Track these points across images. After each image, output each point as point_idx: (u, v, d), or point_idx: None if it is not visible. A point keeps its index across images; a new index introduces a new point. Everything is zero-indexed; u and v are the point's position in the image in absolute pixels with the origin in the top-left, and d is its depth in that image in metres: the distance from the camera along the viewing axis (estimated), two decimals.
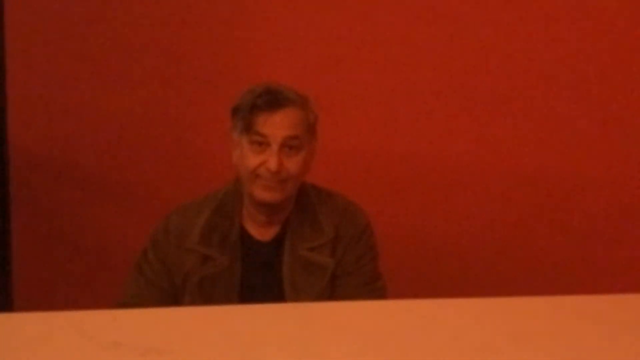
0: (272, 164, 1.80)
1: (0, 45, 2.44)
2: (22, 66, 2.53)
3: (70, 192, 2.82)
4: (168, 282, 1.94)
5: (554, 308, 1.72)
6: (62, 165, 2.77)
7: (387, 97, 2.76)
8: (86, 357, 1.37)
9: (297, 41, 2.76)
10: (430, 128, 2.79)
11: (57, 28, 2.73)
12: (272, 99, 1.84)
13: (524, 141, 2.82)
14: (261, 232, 1.95)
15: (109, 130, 2.74)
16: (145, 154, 2.75)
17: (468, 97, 2.80)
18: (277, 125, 1.83)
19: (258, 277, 1.97)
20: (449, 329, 1.60)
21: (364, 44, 2.76)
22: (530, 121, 2.82)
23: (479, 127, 2.81)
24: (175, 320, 1.65)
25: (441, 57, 2.79)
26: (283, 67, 2.71)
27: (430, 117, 2.79)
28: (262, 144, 1.82)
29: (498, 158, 2.84)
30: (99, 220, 2.80)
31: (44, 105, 2.68)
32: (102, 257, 2.71)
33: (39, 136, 2.71)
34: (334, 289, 1.96)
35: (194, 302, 1.90)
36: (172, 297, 1.93)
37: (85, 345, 1.41)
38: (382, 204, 2.64)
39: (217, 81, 2.67)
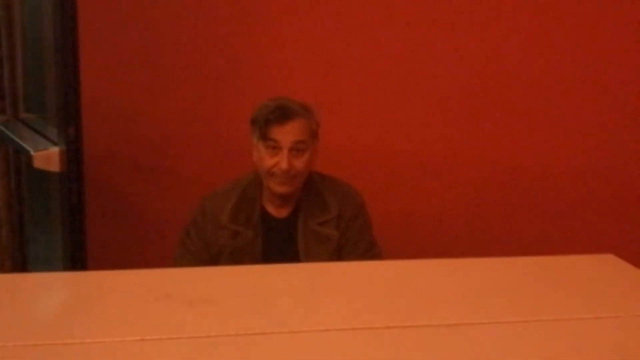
0: (284, 164, 1.93)
1: (75, 55, 2.37)
2: (94, 77, 2.54)
3: (133, 177, 2.88)
4: (207, 254, 2.04)
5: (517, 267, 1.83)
6: (126, 155, 2.83)
7: (383, 98, 2.78)
8: (144, 306, 1.50)
9: (304, 47, 2.76)
10: (421, 126, 2.78)
11: (123, 44, 2.79)
12: (282, 113, 1.94)
13: (508, 137, 2.80)
14: (278, 211, 2.07)
15: (163, 128, 2.78)
16: (189, 147, 2.80)
17: (458, 97, 2.78)
18: (286, 133, 1.94)
19: (277, 247, 2.05)
20: (428, 282, 1.73)
21: (362, 52, 2.75)
22: (515, 119, 2.80)
23: (468, 126, 2.79)
24: (214, 277, 1.77)
25: (432, 62, 2.77)
26: (293, 74, 2.75)
27: (423, 116, 2.79)
28: (275, 148, 1.94)
29: (487, 152, 2.79)
30: (154, 198, 2.89)
31: (112, 107, 2.74)
32: (158, 228, 2.76)
33: (108, 132, 2.76)
34: (340, 256, 2.06)
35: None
36: (211, 263, 2.04)
37: (144, 297, 1.55)
38: (379, 188, 2.65)
39: (240, 90, 2.69)
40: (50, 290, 1.69)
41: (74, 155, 2.40)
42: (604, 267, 1.82)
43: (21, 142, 2.71)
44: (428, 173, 2.77)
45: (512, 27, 2.77)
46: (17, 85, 3.23)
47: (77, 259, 2.47)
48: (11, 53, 3.20)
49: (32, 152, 2.49)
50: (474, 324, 1.46)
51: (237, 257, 2.02)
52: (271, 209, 2.07)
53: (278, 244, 2.07)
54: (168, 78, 2.75)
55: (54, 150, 2.46)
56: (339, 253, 2.05)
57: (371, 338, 1.38)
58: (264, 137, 1.96)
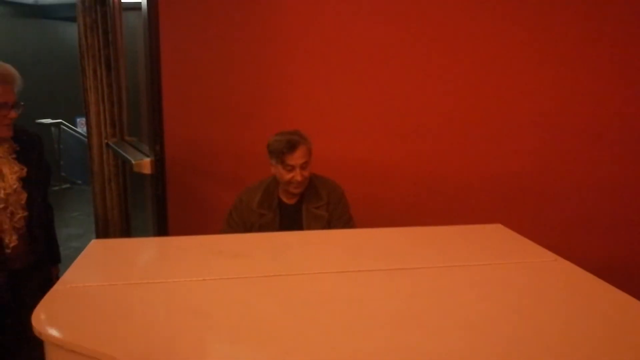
0: (299, 177, 1.96)
1: (160, 97, 2.32)
2: (173, 112, 2.49)
3: (199, 178, 2.86)
4: (243, 229, 2.05)
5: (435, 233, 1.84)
6: (195, 163, 2.83)
7: (363, 124, 2.64)
8: (205, 258, 1.54)
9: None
10: (382, 142, 2.64)
11: (192, 90, 2.73)
12: (292, 145, 1.94)
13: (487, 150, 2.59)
14: (289, 200, 2.08)
15: (220, 146, 2.74)
16: (235, 158, 2.75)
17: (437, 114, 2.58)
18: (296, 158, 1.95)
19: (288, 223, 2.05)
20: (382, 241, 1.75)
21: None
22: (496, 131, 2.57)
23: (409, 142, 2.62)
24: (249, 240, 1.79)
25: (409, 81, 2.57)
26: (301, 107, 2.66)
27: (390, 136, 2.64)
28: (290, 168, 1.96)
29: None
30: (212, 191, 2.85)
31: (185, 131, 2.73)
32: (213, 210, 2.66)
33: (183, 148, 2.76)
34: (329, 227, 2.06)
35: None
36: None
37: (204, 252, 1.58)
38: (359, 184, 2.54)
39: (266, 124, 2.54)
40: (145, 249, 1.74)
41: (159, 164, 2.42)
42: (493, 231, 1.84)
43: (126, 155, 2.76)
44: (384, 175, 2.71)
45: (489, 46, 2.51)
46: (123, 118, 3.29)
47: (162, 230, 2.49)
48: (119, 95, 3.26)
49: (133, 161, 2.54)
50: (409, 268, 1.51)
51: (263, 230, 2.03)
52: (284, 199, 2.08)
53: (289, 221, 2.06)
54: (222, 114, 2.74)
55: (147, 160, 2.50)
56: (329, 226, 2.07)
57: (349, 278, 1.43)
58: (282, 163, 1.96)
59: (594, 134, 2.55)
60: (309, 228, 2.03)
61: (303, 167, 1.97)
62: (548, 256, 1.59)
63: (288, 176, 1.97)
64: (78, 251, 1.53)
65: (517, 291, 1.36)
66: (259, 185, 2.09)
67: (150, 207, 2.71)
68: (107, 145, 3.16)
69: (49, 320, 1.12)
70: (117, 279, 1.36)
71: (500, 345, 1.09)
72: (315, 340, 1.10)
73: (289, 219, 2.06)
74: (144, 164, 2.52)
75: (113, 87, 3.20)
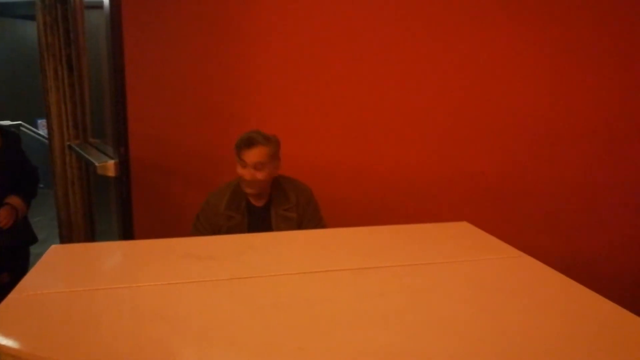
0: (247, 175, 1.92)
1: (124, 98, 2.32)
2: (137, 114, 2.47)
3: (164, 179, 2.80)
4: (210, 232, 2.00)
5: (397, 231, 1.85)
6: (160, 165, 2.76)
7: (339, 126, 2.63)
8: (170, 262, 1.49)
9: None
10: (355, 145, 2.64)
11: (158, 91, 2.68)
12: (248, 142, 1.89)
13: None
14: (257, 202, 2.04)
15: (185, 148, 2.71)
16: (203, 160, 2.71)
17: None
18: (251, 156, 1.90)
19: (257, 226, 2.01)
20: (350, 241, 1.75)
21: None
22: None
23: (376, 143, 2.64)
24: (216, 242, 1.74)
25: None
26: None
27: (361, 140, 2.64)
28: (244, 164, 1.92)
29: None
30: (178, 193, 2.80)
31: (150, 133, 2.67)
32: (180, 213, 2.61)
33: (147, 150, 2.70)
34: (300, 229, 2.02)
35: None
36: None
37: (170, 255, 1.54)
38: (331, 186, 2.58)
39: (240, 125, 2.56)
40: (108, 254, 1.68)
41: (124, 166, 2.39)
42: (460, 229, 1.86)
43: (89, 157, 2.69)
44: (355, 176, 2.71)
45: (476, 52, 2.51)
46: (87, 120, 3.20)
47: (127, 234, 2.46)
48: (81, 96, 3.18)
49: (96, 164, 2.48)
50: (374, 267, 1.50)
51: (231, 233, 1.99)
52: (253, 201, 2.04)
53: (258, 224, 2.03)
54: (188, 114, 2.69)
55: (111, 162, 2.45)
56: (299, 227, 2.04)
57: (316, 278, 1.42)
58: (238, 157, 1.94)
59: (561, 135, 2.60)
60: (278, 230, 2.00)
61: (257, 167, 1.91)
62: (512, 253, 1.62)
63: (241, 172, 1.93)
64: (40, 257, 1.48)
65: (481, 287, 1.38)
66: (227, 187, 2.05)
67: (115, 211, 2.63)
68: (70, 147, 3.08)
69: (3, 329, 1.08)
70: (77, 285, 1.31)
71: (465, 341, 1.10)
72: (282, 342, 1.09)
73: (258, 221, 2.02)
74: (108, 166, 2.47)
75: (75, 87, 3.11)
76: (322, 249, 1.67)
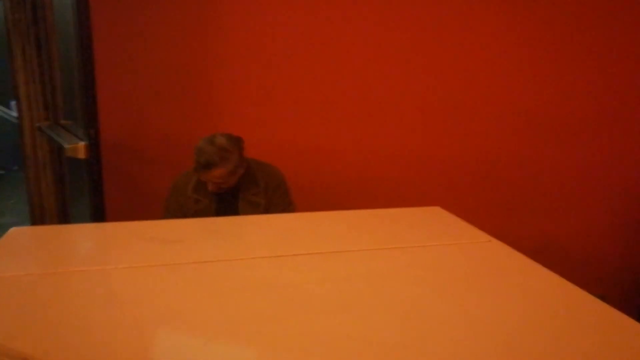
0: (212, 188, 1.94)
1: (93, 78, 2.27)
2: (108, 95, 2.44)
3: (135, 162, 2.73)
4: (181, 213, 1.99)
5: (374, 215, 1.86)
6: (131, 147, 2.69)
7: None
8: (135, 245, 1.48)
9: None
10: (331, 130, 2.61)
11: (130, 69, 2.60)
12: (204, 166, 1.86)
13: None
14: None
15: (156, 130, 2.63)
16: (173, 143, 2.62)
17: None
18: (209, 177, 1.90)
19: (224, 211, 1.99)
20: (322, 225, 1.75)
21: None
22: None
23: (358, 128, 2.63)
24: (183, 226, 1.72)
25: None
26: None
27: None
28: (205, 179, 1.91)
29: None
30: (149, 176, 2.72)
31: (122, 115, 2.61)
32: (151, 195, 2.52)
33: (118, 132, 2.63)
34: (267, 214, 1.99)
35: None
36: None
37: (136, 239, 1.52)
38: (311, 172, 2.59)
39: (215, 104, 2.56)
40: (70, 236, 1.65)
41: (94, 148, 2.33)
42: (432, 214, 1.86)
43: (59, 139, 2.62)
44: (331, 160, 2.68)
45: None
46: (57, 101, 3.11)
47: (98, 217, 2.38)
48: (51, 76, 3.08)
49: (65, 146, 2.41)
50: (341, 251, 1.49)
51: (199, 216, 1.98)
52: None
53: (225, 208, 2.00)
54: (164, 97, 2.61)
55: (81, 144, 2.39)
56: (267, 212, 2.02)
57: (282, 262, 1.40)
58: (199, 175, 1.94)
59: (536, 121, 2.63)
60: (245, 215, 1.99)
61: (219, 183, 1.91)
62: (482, 237, 1.62)
63: (203, 179, 1.94)
64: None
65: (449, 272, 1.38)
66: (195, 170, 2.00)
67: (86, 194, 2.57)
68: (39, 128, 2.99)
69: None
70: (34, 268, 1.29)
71: (425, 325, 1.10)
72: (240, 325, 1.07)
73: (225, 206, 2.00)
74: (78, 148, 2.41)
75: (44, 67, 3.01)
76: (288, 233, 1.66)
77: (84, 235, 1.66)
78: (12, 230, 1.51)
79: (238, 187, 2.01)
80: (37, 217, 3.26)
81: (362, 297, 1.22)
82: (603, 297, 2.66)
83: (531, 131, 2.63)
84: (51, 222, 3.21)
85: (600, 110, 2.61)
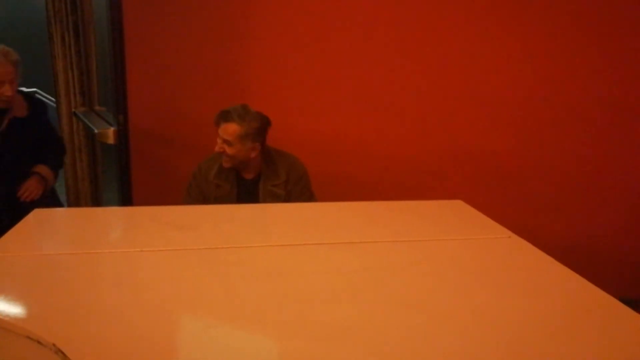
0: (216, 147, 1.93)
1: (123, 68, 2.32)
2: (137, 83, 2.47)
3: (161, 147, 2.78)
4: (202, 197, 2.01)
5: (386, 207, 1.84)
6: (158, 133, 2.74)
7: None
8: (149, 230, 1.51)
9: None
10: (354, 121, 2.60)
11: (158, 61, 2.65)
12: (222, 117, 1.91)
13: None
14: (247, 175, 2.03)
15: (182, 116, 2.66)
16: (198, 128, 2.56)
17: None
18: (222, 131, 1.91)
19: (245, 199, 2.00)
20: (339, 215, 1.73)
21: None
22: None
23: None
24: (199, 212, 1.72)
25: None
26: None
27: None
28: (218, 135, 1.93)
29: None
30: (174, 161, 2.77)
31: (150, 102, 2.63)
32: (176, 179, 2.41)
33: (146, 118, 2.66)
34: None
35: None
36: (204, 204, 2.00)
37: (151, 223, 1.55)
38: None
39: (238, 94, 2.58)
40: (89, 220, 1.67)
41: (123, 133, 2.39)
42: (453, 207, 1.81)
43: (90, 124, 2.70)
44: (354, 152, 2.65)
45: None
46: (93, 88, 3.20)
47: (126, 201, 2.45)
48: (87, 63, 3.17)
49: (95, 131, 2.48)
50: (358, 242, 1.47)
51: (220, 202, 1.98)
52: (243, 173, 2.03)
53: (246, 196, 2.01)
54: (191, 84, 2.64)
55: (110, 129, 2.45)
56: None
57: (293, 251, 1.38)
58: (216, 125, 1.96)
59: (564, 119, 2.55)
60: None
61: (225, 142, 1.91)
62: (502, 233, 1.56)
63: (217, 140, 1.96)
64: None
65: (463, 266, 1.34)
66: (219, 156, 2.02)
67: (115, 178, 2.64)
68: (75, 114, 3.09)
69: None
70: (49, 249, 1.32)
71: (432, 319, 1.06)
72: (240, 312, 1.06)
73: (246, 194, 2.01)
74: (108, 133, 2.47)
75: (82, 54, 3.10)
76: (303, 223, 1.65)
77: (101, 219, 1.69)
78: (34, 211, 1.56)
79: (260, 176, 2.02)
80: (72, 200, 3.38)
81: (370, 288, 1.20)
82: (635, 303, 2.54)
83: (560, 125, 2.55)
84: (85, 205, 3.32)
85: (630, 102, 2.51)
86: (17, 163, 2.16)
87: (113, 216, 1.71)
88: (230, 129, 1.89)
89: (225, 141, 1.91)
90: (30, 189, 2.15)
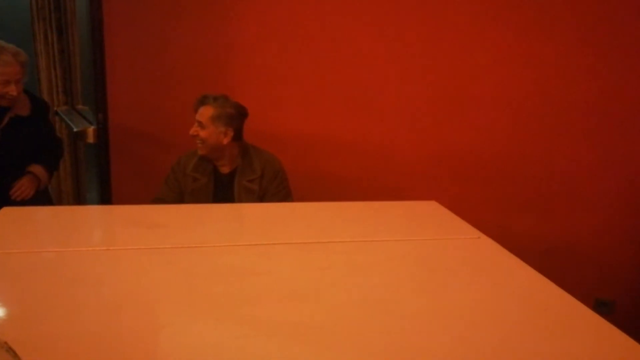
0: (191, 130, 1.99)
1: (103, 68, 2.35)
2: (116, 82, 2.46)
3: (140, 145, 2.72)
4: (179, 190, 2.03)
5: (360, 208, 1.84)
6: (138, 131, 2.67)
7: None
8: (118, 228, 1.52)
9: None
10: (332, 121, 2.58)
11: (137, 60, 2.59)
12: (200, 99, 1.97)
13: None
14: (223, 169, 2.04)
15: (162, 115, 2.60)
16: (177, 125, 2.39)
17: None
18: (197, 113, 1.97)
19: (221, 193, 2.01)
20: (313, 215, 1.74)
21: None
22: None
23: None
24: (170, 212, 1.72)
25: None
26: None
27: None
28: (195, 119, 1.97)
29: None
30: (153, 159, 2.68)
31: (129, 101, 2.57)
32: (154, 176, 2.36)
33: (126, 117, 2.58)
34: (262, 202, 2.01)
35: (190, 202, 2.00)
36: (181, 198, 2.03)
37: (121, 222, 1.55)
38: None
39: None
40: (59, 218, 1.66)
41: (103, 132, 2.39)
42: (426, 208, 1.81)
43: (71, 123, 2.69)
44: (333, 150, 2.63)
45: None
46: (76, 85, 3.19)
47: (105, 199, 2.45)
48: (70, 61, 3.16)
49: (74, 129, 2.47)
50: (326, 242, 1.47)
51: (196, 195, 2.00)
52: (219, 167, 2.04)
53: (221, 191, 2.02)
54: (173, 82, 2.61)
55: (90, 128, 2.44)
56: (261, 200, 2.02)
57: (260, 251, 1.38)
58: (194, 110, 2.01)
59: (545, 119, 2.55)
60: (240, 201, 1.99)
61: (200, 125, 1.96)
62: (472, 233, 1.56)
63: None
64: None
65: (430, 266, 1.34)
66: (196, 151, 2.05)
67: (94, 176, 2.63)
68: (57, 113, 3.07)
69: None
70: (11, 247, 1.30)
71: (394, 319, 1.06)
72: (199, 312, 1.06)
73: (222, 188, 2.02)
74: (88, 132, 2.46)
75: (65, 52, 3.09)
76: (274, 222, 1.65)
77: (70, 217, 1.68)
78: (3, 209, 1.54)
79: (235, 170, 2.03)
80: (55, 200, 3.35)
81: (334, 287, 1.20)
82: (611, 304, 2.55)
83: (541, 127, 2.55)
84: (68, 205, 3.30)
85: (611, 106, 2.52)
86: (14, 161, 2.15)
87: (82, 215, 1.71)
88: (205, 111, 1.95)
89: (199, 123, 1.96)
90: (22, 188, 2.15)
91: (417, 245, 1.47)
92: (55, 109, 3.16)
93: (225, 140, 1.98)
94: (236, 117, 1.98)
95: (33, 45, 3.16)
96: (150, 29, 2.58)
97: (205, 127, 1.95)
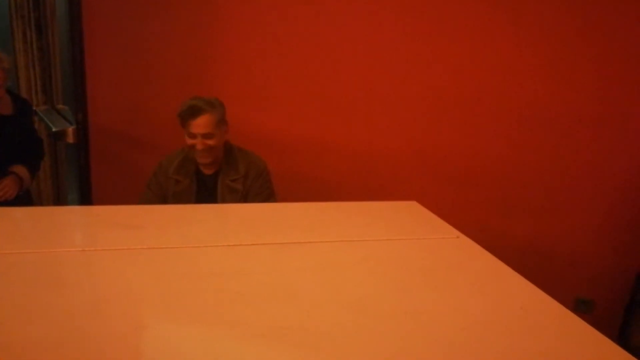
0: (199, 146, 1.89)
1: (82, 68, 2.36)
2: (96, 82, 2.45)
3: (120, 146, 2.69)
4: (161, 192, 2.00)
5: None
6: (118, 131, 2.65)
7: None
8: (95, 229, 1.49)
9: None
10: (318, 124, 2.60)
11: (117, 59, 2.57)
12: (194, 112, 1.85)
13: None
14: (206, 170, 2.02)
15: (143, 115, 2.60)
16: (159, 126, 2.54)
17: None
18: (197, 127, 1.87)
19: (204, 194, 1.99)
20: (295, 216, 1.73)
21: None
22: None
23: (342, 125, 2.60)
24: (150, 212, 1.70)
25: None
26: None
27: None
28: (192, 135, 1.89)
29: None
30: (134, 160, 2.68)
31: (109, 101, 2.55)
32: (144, 177, 2.29)
33: (106, 117, 2.57)
34: (246, 202, 1.99)
35: (173, 204, 1.97)
36: (163, 200, 2.01)
37: (98, 222, 1.53)
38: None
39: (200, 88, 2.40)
40: (35, 219, 1.62)
41: (83, 132, 2.37)
42: (406, 208, 1.82)
43: (49, 123, 2.64)
44: (317, 151, 2.64)
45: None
46: (56, 84, 3.14)
47: (85, 200, 2.47)
48: (51, 61, 3.11)
49: (53, 129, 2.43)
50: (304, 242, 1.47)
51: (178, 197, 1.98)
52: (202, 168, 2.03)
53: (205, 192, 2.00)
54: (154, 81, 2.59)
55: (70, 128, 2.41)
56: (245, 200, 2.00)
57: (237, 251, 1.36)
58: (184, 127, 1.91)
59: (523, 121, 2.58)
60: (224, 201, 1.97)
61: (206, 136, 1.88)
62: (451, 233, 1.57)
63: (191, 142, 1.91)
64: None
65: (407, 266, 1.34)
66: (180, 151, 2.03)
67: (74, 177, 2.59)
68: (36, 113, 3.02)
69: None
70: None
71: (370, 319, 1.06)
72: (174, 313, 1.05)
73: (205, 189, 2.01)
74: (67, 132, 2.43)
75: (44, 51, 3.04)
76: (252, 223, 1.63)
77: (46, 218, 1.65)
78: None
79: (219, 171, 2.01)
80: (36, 200, 3.30)
81: (311, 288, 1.19)
82: (590, 303, 2.59)
83: (521, 131, 2.58)
84: (47, 206, 3.24)
85: (589, 111, 2.56)
86: None
87: (62, 215, 1.68)
88: (207, 120, 1.86)
89: (204, 136, 1.88)
90: (5, 188, 2.11)
91: (395, 245, 1.48)
92: (34, 108, 3.10)
93: (226, 137, 1.98)
94: (225, 112, 1.96)
95: (12, 44, 3.10)
96: (131, 27, 2.56)
97: (214, 135, 1.89)
